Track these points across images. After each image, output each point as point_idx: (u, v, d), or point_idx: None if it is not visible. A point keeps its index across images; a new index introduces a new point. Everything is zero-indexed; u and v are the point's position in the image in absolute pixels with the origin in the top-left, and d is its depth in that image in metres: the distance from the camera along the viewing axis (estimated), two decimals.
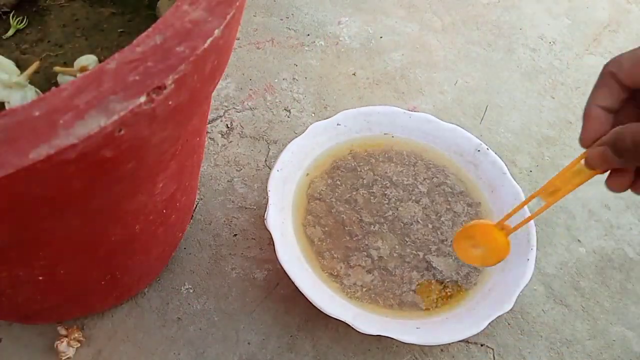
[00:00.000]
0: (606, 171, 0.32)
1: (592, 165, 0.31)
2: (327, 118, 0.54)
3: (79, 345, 0.44)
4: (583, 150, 0.33)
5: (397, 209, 0.51)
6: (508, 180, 0.51)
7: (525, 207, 0.43)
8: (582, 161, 0.33)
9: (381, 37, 0.71)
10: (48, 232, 0.28)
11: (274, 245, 0.44)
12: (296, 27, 0.71)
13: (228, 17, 0.26)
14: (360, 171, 0.53)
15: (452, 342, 0.45)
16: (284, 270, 0.43)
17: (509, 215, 0.40)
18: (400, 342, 0.41)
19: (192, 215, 0.52)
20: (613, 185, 0.31)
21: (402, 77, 0.67)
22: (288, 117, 0.61)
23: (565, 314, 0.49)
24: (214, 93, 0.56)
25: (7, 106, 0.34)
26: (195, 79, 0.26)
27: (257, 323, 0.47)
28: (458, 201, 0.52)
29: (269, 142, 0.59)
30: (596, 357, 0.47)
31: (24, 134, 0.21)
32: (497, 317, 0.43)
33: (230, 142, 0.58)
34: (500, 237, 0.40)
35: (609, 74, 0.31)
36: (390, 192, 0.52)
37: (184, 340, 0.45)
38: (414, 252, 0.48)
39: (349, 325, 0.41)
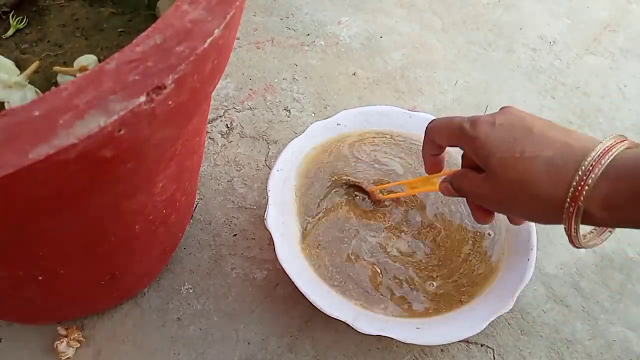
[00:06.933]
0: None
1: (442, 192, 0.42)
2: (327, 118, 0.54)
3: (78, 345, 0.44)
4: None
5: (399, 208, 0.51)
6: None
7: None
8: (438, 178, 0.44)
9: (381, 37, 0.71)
10: (48, 232, 0.28)
11: (274, 245, 0.44)
12: (296, 27, 0.71)
13: (228, 16, 0.26)
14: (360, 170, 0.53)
15: (452, 342, 0.45)
16: (284, 270, 0.43)
17: (384, 186, 0.51)
18: (400, 342, 0.41)
19: (192, 215, 0.52)
20: (476, 219, 0.42)
21: (402, 77, 0.67)
22: (288, 117, 0.61)
23: (565, 314, 0.49)
24: (214, 93, 0.56)
25: (7, 106, 0.34)
26: (195, 79, 0.26)
27: (257, 323, 0.47)
28: (460, 201, 0.52)
29: (269, 142, 0.59)
30: (596, 357, 0.47)
31: (24, 134, 0.21)
32: (497, 317, 0.43)
33: (230, 142, 0.58)
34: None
35: (429, 136, 0.42)
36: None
37: (184, 340, 0.45)
38: (413, 251, 0.48)
39: (349, 325, 0.41)
